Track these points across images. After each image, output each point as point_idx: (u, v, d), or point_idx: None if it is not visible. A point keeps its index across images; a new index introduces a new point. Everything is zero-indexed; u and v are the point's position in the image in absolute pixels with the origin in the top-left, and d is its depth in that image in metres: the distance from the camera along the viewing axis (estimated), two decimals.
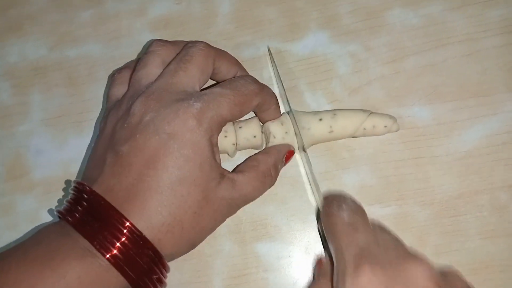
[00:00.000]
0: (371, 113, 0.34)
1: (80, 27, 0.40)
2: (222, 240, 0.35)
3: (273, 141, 0.33)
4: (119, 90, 0.32)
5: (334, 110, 0.34)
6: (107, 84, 0.38)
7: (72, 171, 0.37)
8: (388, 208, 0.34)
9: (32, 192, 0.37)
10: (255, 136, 0.33)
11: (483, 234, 0.33)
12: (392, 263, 0.24)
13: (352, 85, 0.36)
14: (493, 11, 0.36)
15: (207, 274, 0.34)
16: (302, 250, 0.34)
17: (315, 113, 0.34)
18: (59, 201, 0.37)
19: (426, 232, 0.34)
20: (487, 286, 0.33)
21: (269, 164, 0.32)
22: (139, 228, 0.26)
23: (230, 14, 0.38)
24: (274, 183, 0.33)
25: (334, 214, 0.28)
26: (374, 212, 0.34)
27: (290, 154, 0.34)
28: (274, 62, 0.36)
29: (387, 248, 0.25)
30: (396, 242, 0.27)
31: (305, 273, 0.34)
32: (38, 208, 0.37)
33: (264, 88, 0.32)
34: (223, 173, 0.29)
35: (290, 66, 0.37)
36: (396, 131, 0.34)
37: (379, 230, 0.28)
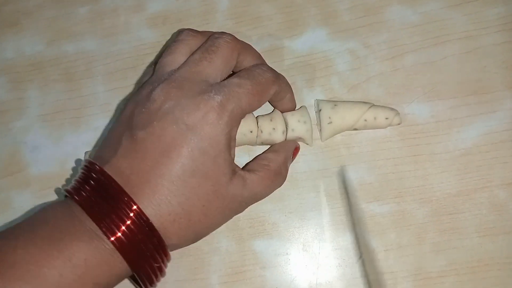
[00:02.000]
0: (373, 105, 0.34)
1: (78, 23, 0.40)
2: (219, 237, 0.35)
3: (260, 136, 0.33)
4: (145, 77, 0.32)
5: (335, 101, 0.34)
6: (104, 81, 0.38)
7: (69, 167, 0.37)
8: (387, 205, 0.34)
9: (28, 188, 0.37)
10: (251, 131, 0.33)
11: (482, 232, 0.33)
12: None
13: (351, 82, 0.36)
14: (492, 8, 0.36)
15: (204, 271, 0.34)
16: (300, 247, 0.34)
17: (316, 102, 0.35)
18: (58, 189, 0.36)
19: (424, 229, 0.34)
20: (486, 284, 0.33)
21: (279, 162, 0.32)
22: (147, 214, 0.26)
23: (229, 10, 0.38)
24: (284, 181, 0.32)
25: None
26: (372, 210, 0.34)
27: (296, 150, 0.34)
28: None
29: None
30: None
31: (303, 270, 0.34)
32: (34, 204, 0.36)
33: (279, 76, 0.32)
34: (235, 170, 0.29)
35: (289, 62, 0.37)
36: (398, 124, 0.34)
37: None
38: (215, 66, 0.29)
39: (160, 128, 0.27)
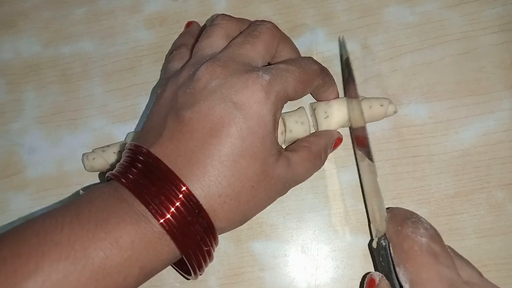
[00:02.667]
0: (364, 97, 0.34)
1: (74, 24, 0.40)
2: None
3: (289, 135, 0.33)
4: (179, 64, 0.32)
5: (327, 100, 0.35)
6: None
7: (66, 169, 0.37)
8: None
9: (25, 190, 0.37)
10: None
11: (480, 233, 0.33)
12: None
13: None
14: (490, 9, 0.36)
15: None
16: (298, 249, 0.34)
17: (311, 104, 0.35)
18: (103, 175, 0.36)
19: None
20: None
21: (320, 146, 0.32)
22: (196, 196, 0.26)
23: (227, 11, 0.38)
24: (322, 166, 0.32)
25: (410, 237, 0.26)
26: None
27: (339, 141, 0.34)
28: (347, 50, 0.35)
29: (474, 285, 0.24)
30: (479, 276, 0.25)
31: (301, 272, 0.34)
32: (31, 206, 0.36)
33: (324, 69, 0.32)
34: (280, 150, 0.29)
35: None
36: (395, 112, 0.34)
37: (457, 259, 0.26)
38: (257, 50, 0.29)
39: (207, 107, 0.27)
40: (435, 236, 0.27)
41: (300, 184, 0.35)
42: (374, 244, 0.29)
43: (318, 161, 0.32)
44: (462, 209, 0.34)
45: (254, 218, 0.34)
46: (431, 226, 0.27)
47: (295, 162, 0.29)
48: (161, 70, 0.38)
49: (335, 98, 0.34)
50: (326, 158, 0.33)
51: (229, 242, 0.34)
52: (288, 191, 0.35)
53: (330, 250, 0.34)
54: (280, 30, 0.31)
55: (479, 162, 0.34)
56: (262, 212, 0.34)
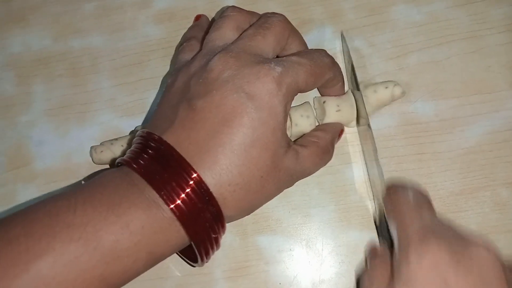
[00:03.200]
0: (365, 85, 0.34)
1: (84, 19, 0.40)
2: None
3: (294, 129, 0.33)
4: (189, 55, 0.32)
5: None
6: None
7: (74, 162, 0.37)
8: None
9: (33, 182, 0.37)
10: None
11: (484, 231, 0.33)
12: (457, 242, 0.24)
13: None
14: (497, 8, 0.36)
15: (208, 266, 0.34)
16: (303, 243, 0.34)
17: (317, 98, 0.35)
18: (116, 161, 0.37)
19: None
20: None
21: (327, 140, 0.32)
22: (207, 184, 0.26)
23: None
24: (330, 159, 0.33)
25: (399, 193, 0.27)
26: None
27: (341, 132, 0.34)
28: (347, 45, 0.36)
29: (452, 229, 0.25)
30: (460, 228, 0.26)
31: (306, 267, 0.34)
32: (39, 198, 0.37)
33: (335, 63, 0.32)
34: (289, 143, 0.29)
35: None
36: (403, 94, 0.34)
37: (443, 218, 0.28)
38: (268, 42, 0.29)
39: (219, 96, 0.27)
40: (421, 191, 0.28)
41: (306, 179, 0.35)
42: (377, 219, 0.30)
43: (326, 155, 0.32)
44: (467, 207, 0.34)
45: (259, 212, 0.35)
46: (419, 187, 0.28)
47: (304, 156, 0.30)
48: (171, 62, 0.38)
49: (341, 94, 0.34)
50: (333, 151, 0.33)
51: (234, 236, 0.35)
52: (294, 186, 0.35)
53: (335, 245, 0.34)
54: (290, 22, 0.31)
55: (484, 160, 0.34)
56: (267, 206, 0.35)
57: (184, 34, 0.37)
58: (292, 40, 0.31)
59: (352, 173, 0.35)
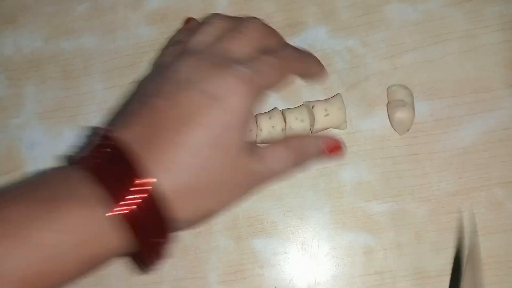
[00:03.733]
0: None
1: (76, 20, 0.39)
2: (217, 236, 0.35)
3: (260, 134, 0.33)
4: (170, 60, 0.31)
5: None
6: (103, 78, 0.38)
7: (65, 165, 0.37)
8: (386, 204, 0.34)
9: None
10: (250, 130, 0.33)
11: (480, 231, 0.33)
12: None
13: (350, 81, 0.36)
14: (492, 7, 0.36)
15: (202, 270, 0.34)
16: (299, 246, 0.34)
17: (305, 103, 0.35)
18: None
19: (423, 228, 0.34)
20: (484, 282, 0.33)
21: (298, 140, 0.31)
22: (162, 185, 0.25)
23: (228, 7, 0.38)
24: (304, 164, 0.31)
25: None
26: (371, 208, 0.34)
27: (338, 148, 0.33)
28: None
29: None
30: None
31: (301, 269, 0.34)
32: None
33: (306, 54, 0.33)
34: (253, 145, 0.29)
35: None
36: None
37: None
38: (241, 45, 0.29)
39: (183, 96, 0.27)
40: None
41: (300, 181, 0.35)
42: None
43: (298, 157, 0.30)
44: (462, 207, 0.34)
45: (254, 215, 0.35)
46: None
47: (268, 156, 0.29)
48: (153, 63, 0.38)
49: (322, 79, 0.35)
50: (309, 156, 0.31)
51: (229, 239, 0.34)
52: (289, 188, 0.35)
53: (331, 247, 0.34)
54: (267, 26, 0.31)
55: (479, 160, 0.34)
56: (262, 208, 0.35)
57: (172, 37, 0.37)
58: (269, 43, 0.31)
59: (347, 174, 0.35)
